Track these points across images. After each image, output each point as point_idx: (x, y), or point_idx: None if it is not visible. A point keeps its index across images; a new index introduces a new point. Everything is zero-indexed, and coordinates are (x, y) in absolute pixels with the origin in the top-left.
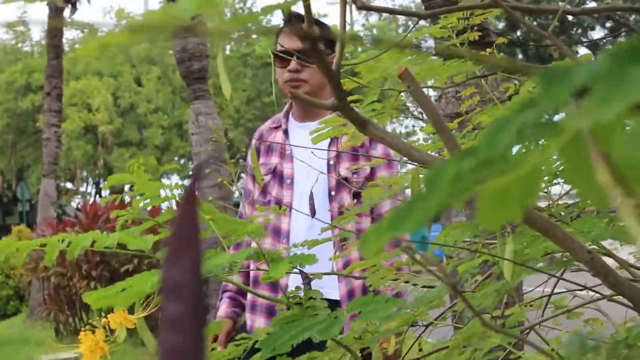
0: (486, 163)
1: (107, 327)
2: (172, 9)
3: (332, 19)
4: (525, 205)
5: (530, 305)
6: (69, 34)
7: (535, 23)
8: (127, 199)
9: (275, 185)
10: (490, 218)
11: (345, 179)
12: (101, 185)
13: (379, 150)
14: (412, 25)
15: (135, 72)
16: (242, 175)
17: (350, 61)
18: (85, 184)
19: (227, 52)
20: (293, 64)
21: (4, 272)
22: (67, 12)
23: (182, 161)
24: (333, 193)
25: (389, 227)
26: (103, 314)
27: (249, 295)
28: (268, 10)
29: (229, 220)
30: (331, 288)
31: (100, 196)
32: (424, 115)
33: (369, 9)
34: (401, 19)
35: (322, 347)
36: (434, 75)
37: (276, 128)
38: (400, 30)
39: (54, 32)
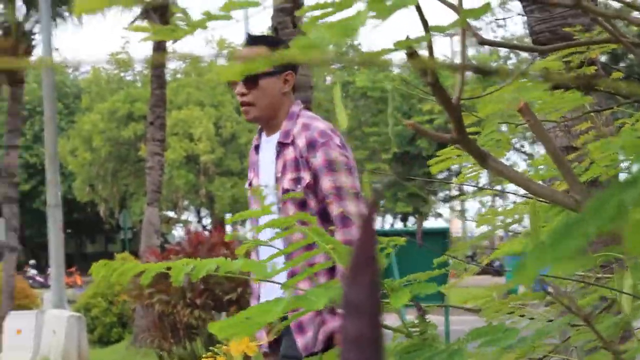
0: None
1: (227, 354)
2: (304, 40)
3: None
4: None
5: None
6: (171, 64)
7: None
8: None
9: (251, 201)
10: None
11: (288, 190)
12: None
13: (318, 158)
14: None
15: (236, 102)
16: None
17: (474, 93)
18: (186, 213)
19: (328, 82)
20: (238, 88)
21: (107, 299)
22: (169, 43)
23: None
24: (280, 206)
25: (551, 251)
26: (208, 343)
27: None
28: (385, 52)
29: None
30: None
31: (202, 224)
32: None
33: (490, 43)
34: (502, 51)
35: None
36: (549, 109)
37: (257, 145)
38: (501, 62)
39: (157, 63)
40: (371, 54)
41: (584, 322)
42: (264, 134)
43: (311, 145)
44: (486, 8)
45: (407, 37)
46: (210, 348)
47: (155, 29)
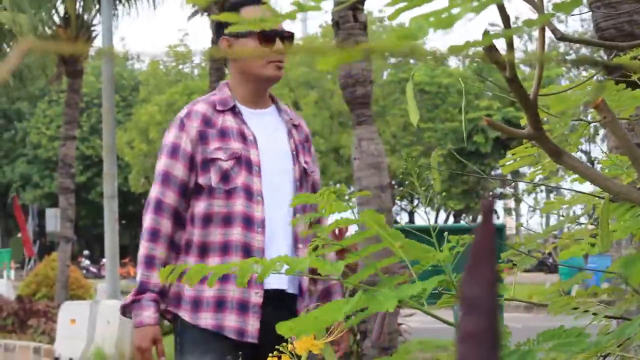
0: None
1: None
2: (402, 30)
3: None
4: None
5: None
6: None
7: None
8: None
9: (242, 172)
10: None
11: (306, 170)
12: None
13: (312, 149)
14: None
15: (293, 95)
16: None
17: (549, 88)
18: None
19: (384, 77)
20: (279, 44)
21: None
22: None
23: (337, 186)
24: (299, 184)
25: None
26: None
27: (212, 292)
28: (470, 45)
29: (418, 247)
30: (277, 277)
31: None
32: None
33: (569, 39)
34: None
35: None
36: (622, 106)
37: (222, 112)
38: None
39: (216, 56)
40: (457, 47)
41: None
42: (237, 103)
43: (309, 134)
44: (577, 2)
45: (487, 32)
46: (276, 346)
47: (244, 19)
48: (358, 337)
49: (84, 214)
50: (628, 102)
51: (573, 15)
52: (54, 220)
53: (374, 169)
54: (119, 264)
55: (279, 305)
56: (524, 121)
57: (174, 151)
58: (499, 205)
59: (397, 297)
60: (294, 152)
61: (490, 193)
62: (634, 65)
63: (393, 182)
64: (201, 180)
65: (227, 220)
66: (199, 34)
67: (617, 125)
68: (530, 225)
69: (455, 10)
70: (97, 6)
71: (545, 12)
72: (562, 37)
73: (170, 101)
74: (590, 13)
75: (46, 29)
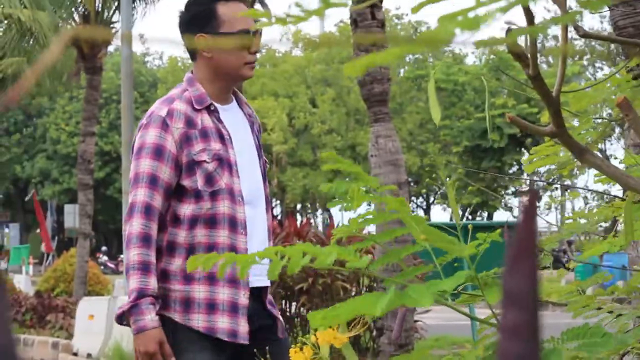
0: None
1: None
2: (429, 33)
3: None
4: None
5: None
6: None
7: None
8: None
9: (224, 173)
10: None
11: (265, 162)
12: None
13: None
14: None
15: (310, 93)
16: None
17: (571, 86)
18: None
19: (401, 74)
20: (257, 44)
21: None
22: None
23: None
24: (264, 177)
25: None
26: None
27: (203, 294)
28: (497, 41)
29: (441, 237)
30: (258, 275)
31: (273, 214)
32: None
33: (592, 36)
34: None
35: None
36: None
37: (199, 110)
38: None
39: None
40: (484, 42)
41: None
42: (212, 101)
43: (260, 124)
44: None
45: (510, 29)
46: (299, 338)
47: (271, 15)
48: (374, 333)
49: (101, 209)
50: None
51: (591, 12)
52: (72, 216)
53: (391, 165)
54: None
55: (254, 299)
56: (545, 118)
57: (159, 153)
58: (514, 202)
59: (432, 293)
60: (258, 147)
61: (534, 190)
62: None
63: (409, 180)
64: (186, 182)
65: (212, 222)
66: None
67: (639, 123)
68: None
69: (481, 10)
70: (116, 3)
71: (569, 10)
72: (584, 34)
73: None
74: (608, 11)
75: (66, 26)
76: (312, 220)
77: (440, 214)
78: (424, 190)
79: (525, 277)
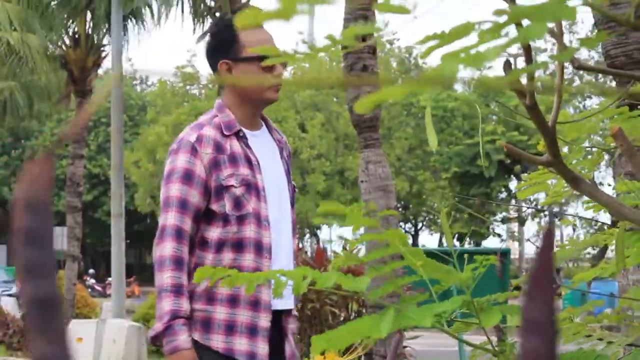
0: None
1: None
2: (434, 71)
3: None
4: None
5: None
6: None
7: None
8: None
9: (252, 198)
10: None
11: (295, 191)
12: None
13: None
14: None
15: (299, 117)
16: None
17: (562, 114)
18: None
19: (390, 100)
20: (280, 68)
21: None
22: None
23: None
24: (292, 202)
25: None
26: None
27: (223, 315)
28: (500, 80)
29: (438, 267)
30: (288, 298)
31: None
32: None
33: (587, 68)
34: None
35: None
36: (637, 134)
37: (228, 136)
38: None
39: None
40: (488, 79)
41: None
42: (241, 127)
43: (290, 151)
44: (602, 37)
45: (511, 66)
46: None
47: (280, 52)
48: (362, 358)
49: (89, 232)
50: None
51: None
52: (60, 239)
53: (381, 191)
54: (125, 282)
55: (274, 323)
56: (540, 147)
57: (189, 177)
58: (503, 229)
59: (432, 314)
60: (287, 172)
61: (552, 220)
62: None
63: (398, 205)
64: (214, 207)
65: (239, 246)
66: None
67: (633, 152)
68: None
69: (483, 47)
70: (107, 25)
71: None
72: (579, 66)
73: (177, 122)
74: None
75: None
76: (300, 245)
77: (428, 239)
78: (411, 217)
79: (543, 307)
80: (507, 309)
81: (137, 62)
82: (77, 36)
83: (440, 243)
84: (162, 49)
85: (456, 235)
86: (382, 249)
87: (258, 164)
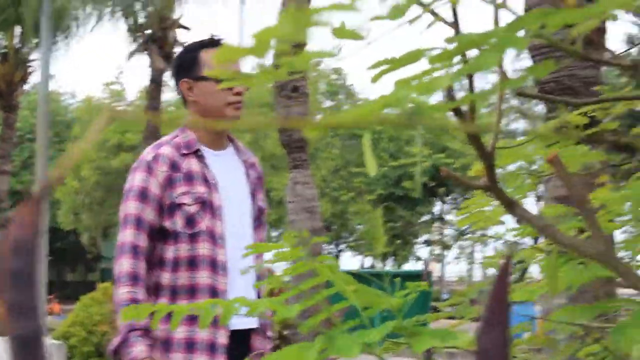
0: None
1: None
2: (386, 98)
3: None
4: None
5: None
6: (166, 96)
7: None
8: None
9: (206, 216)
10: None
11: (263, 209)
12: None
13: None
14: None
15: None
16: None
17: (505, 143)
18: None
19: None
20: (242, 87)
21: (86, 329)
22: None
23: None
24: (256, 223)
25: None
26: None
27: (182, 334)
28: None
29: (370, 292)
30: (242, 318)
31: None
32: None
33: (527, 95)
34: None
35: None
36: (573, 163)
37: (186, 155)
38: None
39: (154, 94)
40: (427, 105)
41: None
42: (202, 146)
43: (262, 173)
44: (550, 66)
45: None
46: None
47: (237, 74)
48: None
49: None
50: (577, 158)
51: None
52: None
53: (307, 213)
54: (45, 300)
55: (240, 341)
56: (474, 171)
57: (144, 195)
58: (425, 251)
59: (360, 343)
60: (252, 192)
61: (508, 253)
62: (578, 120)
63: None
64: (167, 224)
65: (193, 264)
66: (137, 71)
67: (570, 179)
68: (455, 271)
69: (436, 74)
70: (36, 40)
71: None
72: (520, 93)
73: (103, 139)
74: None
75: None
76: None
77: (349, 261)
78: (333, 238)
79: (497, 337)
80: (436, 333)
81: (64, 79)
82: (5, 51)
83: (362, 265)
84: (91, 66)
85: (380, 257)
86: (312, 279)
87: (216, 183)
